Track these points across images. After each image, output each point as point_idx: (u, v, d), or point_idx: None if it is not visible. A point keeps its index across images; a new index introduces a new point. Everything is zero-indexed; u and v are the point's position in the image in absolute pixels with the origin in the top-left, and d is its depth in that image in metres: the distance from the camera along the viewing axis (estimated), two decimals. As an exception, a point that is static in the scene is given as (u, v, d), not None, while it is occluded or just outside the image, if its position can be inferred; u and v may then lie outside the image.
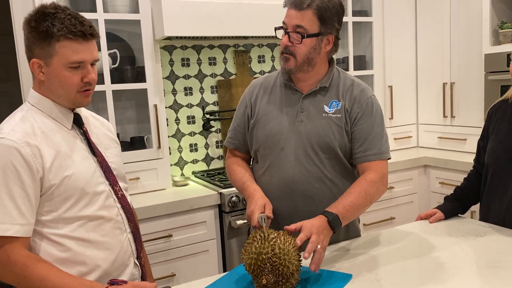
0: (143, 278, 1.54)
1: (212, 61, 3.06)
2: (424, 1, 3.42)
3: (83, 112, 1.52)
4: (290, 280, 1.27)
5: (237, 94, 3.11)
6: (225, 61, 3.10)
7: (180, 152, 3.00)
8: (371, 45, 3.40)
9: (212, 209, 2.52)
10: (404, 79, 3.54)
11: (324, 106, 1.65)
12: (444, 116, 3.34)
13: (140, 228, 1.60)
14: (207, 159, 3.09)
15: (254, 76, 3.18)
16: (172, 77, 2.94)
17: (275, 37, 1.66)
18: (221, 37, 2.85)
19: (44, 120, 1.37)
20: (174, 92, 2.95)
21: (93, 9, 2.45)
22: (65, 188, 1.33)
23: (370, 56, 3.43)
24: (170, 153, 2.90)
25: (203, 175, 2.89)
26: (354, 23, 3.31)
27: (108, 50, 2.52)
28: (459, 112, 3.26)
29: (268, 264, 1.25)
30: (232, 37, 2.90)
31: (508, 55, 2.76)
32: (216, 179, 2.73)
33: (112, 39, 2.69)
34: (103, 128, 1.57)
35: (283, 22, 1.60)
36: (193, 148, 3.04)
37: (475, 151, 1.95)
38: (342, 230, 1.71)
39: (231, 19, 2.65)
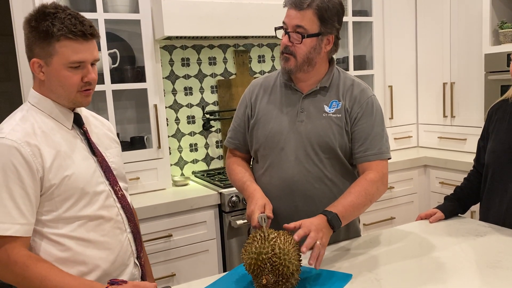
0: (143, 278, 1.54)
1: (212, 61, 3.06)
2: (424, 1, 3.42)
3: (84, 112, 1.52)
4: (290, 280, 1.27)
5: (237, 94, 3.11)
6: (225, 61, 3.10)
7: (180, 152, 3.00)
8: (371, 45, 3.40)
9: (212, 209, 2.52)
10: (404, 79, 3.54)
11: (324, 106, 1.65)
12: (444, 116, 3.34)
13: (140, 228, 1.60)
14: (207, 159, 3.09)
15: (254, 76, 3.18)
16: (172, 77, 2.94)
17: (275, 37, 1.66)
18: (221, 37, 2.85)
19: (44, 120, 1.37)
20: (174, 92, 2.95)
21: (93, 9, 2.45)
22: (65, 188, 1.33)
23: (370, 56, 3.43)
24: (170, 153, 2.90)
25: (203, 175, 2.89)
26: (354, 23, 3.31)
27: (108, 50, 2.52)
28: (459, 112, 3.26)
29: (268, 264, 1.25)
30: (232, 37, 2.90)
31: (508, 55, 2.76)
32: (216, 179, 2.73)
33: (112, 39, 2.69)
34: (103, 128, 1.57)
35: (283, 22, 1.59)
36: (193, 148, 3.04)
37: (475, 151, 1.95)
38: (342, 230, 1.71)
39: (231, 19, 2.65)
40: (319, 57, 1.61)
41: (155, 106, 2.63)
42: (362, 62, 3.42)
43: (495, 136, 1.79)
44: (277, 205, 1.61)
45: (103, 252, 1.40)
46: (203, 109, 3.03)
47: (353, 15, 3.29)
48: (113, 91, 2.55)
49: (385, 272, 1.42)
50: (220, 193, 2.52)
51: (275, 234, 1.31)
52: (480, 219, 1.84)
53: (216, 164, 3.12)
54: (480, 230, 1.71)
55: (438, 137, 3.44)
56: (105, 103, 2.53)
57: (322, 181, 1.65)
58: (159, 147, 2.66)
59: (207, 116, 3.02)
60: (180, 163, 3.01)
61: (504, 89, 2.74)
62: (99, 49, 2.35)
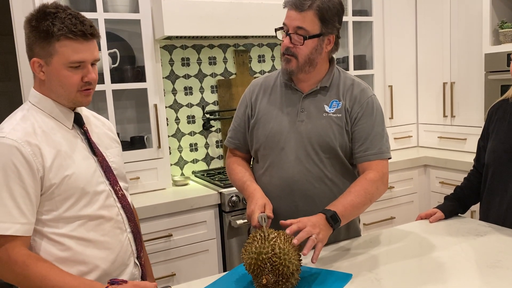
0: (143, 277, 1.54)
1: (212, 61, 3.06)
2: (424, 1, 3.42)
3: (84, 111, 1.52)
4: (290, 279, 1.27)
5: (237, 93, 3.11)
6: (225, 60, 3.10)
7: (180, 151, 3.00)
8: (371, 45, 3.40)
9: (212, 209, 2.52)
10: (404, 78, 3.54)
11: (325, 105, 1.65)
12: (444, 115, 3.34)
13: (140, 227, 1.60)
14: (207, 159, 3.09)
15: (254, 75, 3.18)
16: (172, 77, 2.94)
17: (275, 37, 1.65)
18: (221, 37, 2.85)
19: (45, 120, 1.37)
20: (174, 91, 2.95)
21: (93, 9, 2.45)
22: (65, 188, 1.33)
23: (370, 55, 3.43)
24: (170, 153, 2.90)
25: (203, 175, 2.90)
26: (354, 22, 3.31)
27: (108, 49, 2.52)
28: (459, 112, 3.26)
29: (268, 264, 1.25)
30: (232, 37, 2.90)
31: (508, 54, 2.76)
32: (216, 179, 2.73)
33: (112, 38, 2.69)
34: (103, 128, 1.57)
35: (284, 23, 1.59)
36: (193, 147, 3.04)
37: (475, 151, 1.95)
38: (342, 230, 1.71)
39: (231, 18, 2.65)
40: (320, 57, 1.61)
41: (155, 106, 2.63)
42: (362, 62, 3.42)
43: (495, 136, 1.79)
44: (277, 205, 1.61)
45: (103, 251, 1.40)
46: (203, 109, 3.03)
47: (353, 15, 3.29)
48: (113, 91, 2.55)
49: (385, 271, 1.42)
50: (220, 193, 2.52)
51: (275, 234, 1.31)
52: (480, 219, 1.84)
53: (216, 164, 3.12)
54: (480, 230, 1.71)
55: (438, 137, 3.44)
56: (105, 103, 2.53)
57: (322, 181, 1.65)
58: (159, 147, 2.66)
59: (207, 116, 3.03)
60: (180, 163, 3.01)
61: (504, 89, 2.74)
62: (99, 49, 2.35)
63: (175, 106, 2.96)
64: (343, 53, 3.40)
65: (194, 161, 3.05)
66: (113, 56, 2.58)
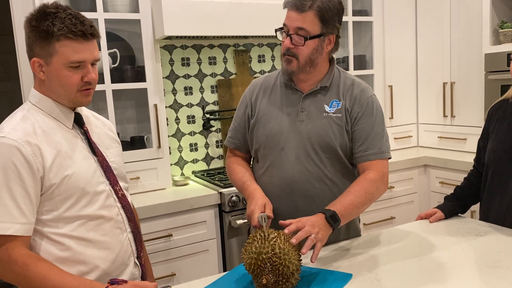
0: (143, 277, 1.54)
1: (212, 61, 3.06)
2: (424, 1, 3.42)
3: (84, 111, 1.52)
4: (290, 279, 1.27)
5: (237, 93, 3.11)
6: (225, 60, 3.10)
7: (180, 151, 3.00)
8: (371, 45, 3.40)
9: (212, 209, 2.52)
10: (404, 78, 3.54)
11: (325, 105, 1.65)
12: (444, 115, 3.34)
13: (140, 227, 1.60)
14: (207, 159, 3.10)
15: (254, 75, 3.18)
16: (172, 77, 2.94)
17: (275, 37, 1.65)
18: (221, 37, 2.85)
19: (45, 120, 1.37)
20: (174, 91, 2.95)
21: (93, 9, 2.45)
22: (66, 188, 1.33)
23: (370, 55, 3.43)
24: (170, 153, 2.90)
25: (203, 175, 2.90)
26: (354, 22, 3.31)
27: (108, 49, 2.52)
28: (459, 112, 3.26)
29: (268, 264, 1.25)
30: (232, 37, 2.90)
31: (508, 54, 2.76)
32: (216, 179, 2.74)
33: (112, 38, 2.69)
34: (104, 128, 1.57)
35: (284, 24, 1.59)
36: (193, 147, 3.04)
37: (475, 151, 1.95)
38: (342, 230, 1.71)
39: (231, 18, 2.65)
40: (321, 57, 1.61)
41: (155, 105, 2.63)
42: (362, 62, 3.42)
43: (495, 135, 1.79)
44: (277, 205, 1.62)
45: (103, 251, 1.40)
46: (203, 108, 3.03)
47: (353, 15, 3.29)
48: (113, 90, 2.55)
49: (385, 271, 1.42)
50: (220, 193, 2.52)
51: (275, 234, 1.31)
52: (480, 219, 1.84)
53: (216, 164, 3.12)
54: (480, 229, 1.71)
55: (438, 137, 3.44)
56: (105, 103, 2.53)
57: (323, 181, 1.65)
58: (159, 146, 2.66)
59: (207, 115, 3.03)
60: (180, 163, 3.01)
61: (504, 88, 2.74)
62: (99, 49, 2.35)
63: (175, 106, 2.96)
64: (343, 53, 3.40)
65: (194, 161, 3.05)
66: (113, 56, 2.58)
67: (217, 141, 3.12)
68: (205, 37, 2.82)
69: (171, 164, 2.94)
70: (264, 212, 1.48)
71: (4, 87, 4.90)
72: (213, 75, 3.07)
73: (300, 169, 1.64)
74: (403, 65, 3.52)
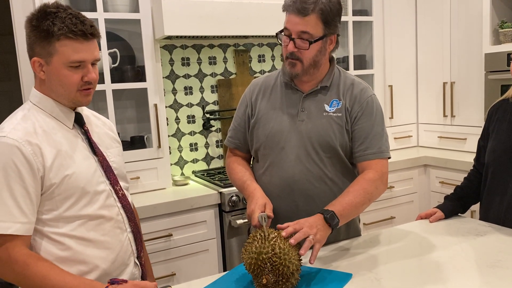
0: (143, 277, 1.54)
1: (212, 61, 3.06)
2: (424, 1, 3.42)
3: (85, 111, 1.52)
4: (290, 279, 1.27)
5: (237, 93, 3.11)
6: (225, 60, 3.10)
7: (180, 151, 3.00)
8: (371, 45, 3.40)
9: (212, 209, 2.52)
10: (404, 78, 3.54)
11: (325, 105, 1.65)
12: (444, 115, 3.34)
13: (141, 227, 1.60)
14: (207, 159, 3.10)
15: (254, 75, 3.18)
16: (172, 77, 2.94)
17: (275, 35, 1.65)
18: (221, 37, 2.85)
19: (46, 119, 1.38)
20: (174, 91, 2.95)
21: (93, 9, 2.45)
22: (66, 187, 1.33)
23: (370, 55, 3.43)
24: (170, 153, 2.90)
25: (203, 175, 2.90)
26: (354, 22, 3.31)
27: (108, 49, 2.52)
28: (459, 112, 3.26)
29: (268, 264, 1.25)
30: (232, 37, 2.90)
31: (509, 54, 2.76)
32: (216, 179, 2.74)
33: (112, 38, 2.69)
34: (104, 128, 1.57)
35: (285, 28, 1.57)
36: (193, 147, 3.04)
37: (475, 151, 1.95)
38: (342, 230, 1.71)
39: (231, 18, 2.65)
40: (324, 58, 1.62)
41: (155, 105, 2.63)
42: (362, 61, 3.42)
43: (495, 135, 1.79)
44: (277, 205, 1.62)
45: (103, 251, 1.40)
46: (203, 108, 3.03)
47: (353, 15, 3.29)
48: (113, 90, 2.55)
49: (385, 271, 1.42)
50: (220, 193, 2.52)
51: (275, 234, 1.31)
52: (480, 219, 1.84)
53: (216, 164, 3.12)
54: (480, 229, 1.71)
55: (438, 137, 3.44)
56: (105, 103, 2.53)
57: (323, 181, 1.65)
58: (159, 146, 2.66)
59: (207, 115, 3.03)
60: (180, 163, 3.01)
61: (504, 88, 2.74)
62: (99, 49, 2.35)
63: (175, 106, 2.96)
64: (343, 53, 3.40)
65: (194, 161, 3.05)
66: (113, 56, 2.58)
67: (217, 141, 3.12)
68: (205, 37, 2.82)
69: (171, 164, 2.94)
70: (264, 212, 1.48)
71: (4, 87, 4.90)
72: (213, 75, 3.07)
73: (300, 169, 1.64)
74: (403, 65, 3.52)
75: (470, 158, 2.27)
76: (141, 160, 2.62)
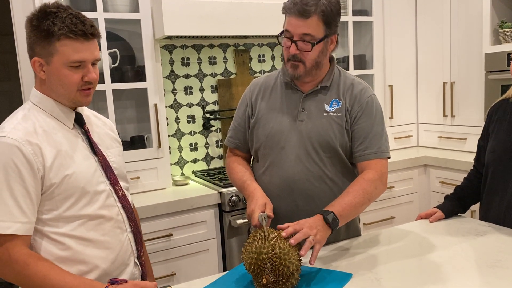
0: (143, 277, 1.54)
1: (212, 61, 3.06)
2: (424, 1, 3.42)
3: (85, 111, 1.52)
4: (290, 279, 1.27)
5: (237, 93, 3.11)
6: (225, 60, 3.10)
7: (180, 151, 3.00)
8: (371, 45, 3.40)
9: (212, 209, 2.52)
10: (404, 78, 3.54)
11: (325, 105, 1.65)
12: (444, 115, 3.34)
13: (141, 227, 1.60)
14: (207, 159, 3.10)
15: (254, 75, 3.18)
16: (172, 77, 2.94)
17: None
18: (221, 37, 2.85)
19: (46, 119, 1.38)
20: (174, 91, 2.95)
21: (93, 8, 2.45)
22: (66, 187, 1.33)
23: (370, 55, 3.43)
24: (170, 153, 2.90)
25: (203, 175, 2.90)
26: (354, 22, 3.30)
27: (108, 49, 2.52)
28: (459, 112, 3.26)
29: (268, 264, 1.25)
30: (232, 37, 2.90)
31: (508, 54, 2.76)
32: (216, 179, 2.74)
33: (112, 38, 2.69)
34: (104, 128, 1.57)
35: (286, 30, 1.57)
36: (193, 147, 3.04)
37: (475, 151, 1.95)
38: (342, 230, 1.72)
39: (231, 18, 2.65)
40: (325, 58, 1.62)
41: (155, 105, 2.63)
42: (362, 61, 3.42)
43: (495, 135, 1.79)
44: (277, 204, 1.62)
45: (103, 251, 1.40)
46: (203, 108, 3.03)
47: (353, 15, 3.28)
48: (113, 90, 2.55)
49: (385, 271, 1.42)
50: (220, 193, 2.52)
51: (276, 234, 1.31)
52: (480, 219, 1.84)
53: (216, 164, 3.12)
54: (480, 229, 1.71)
55: (438, 137, 3.44)
56: (105, 103, 2.53)
57: (323, 180, 1.65)
58: (159, 146, 2.66)
59: (207, 115, 3.03)
60: (180, 163, 3.01)
61: (504, 88, 2.74)
62: (100, 49, 2.35)
63: (175, 106, 2.96)
64: (343, 53, 3.40)
65: (194, 160, 3.05)
66: (113, 56, 2.58)
67: (217, 141, 3.12)
68: (205, 37, 2.82)
69: (171, 164, 2.94)
70: (264, 212, 1.48)
71: (4, 87, 4.90)
72: (213, 74, 3.07)
73: (300, 169, 1.64)
74: (403, 65, 3.52)
75: (470, 158, 2.27)
76: (141, 160, 2.62)
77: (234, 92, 3.11)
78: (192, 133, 3.03)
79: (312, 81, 1.66)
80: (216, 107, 3.09)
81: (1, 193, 1.26)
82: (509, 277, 1.33)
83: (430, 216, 1.87)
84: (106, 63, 2.50)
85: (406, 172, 3.20)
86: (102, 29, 2.44)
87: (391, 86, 3.46)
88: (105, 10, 2.50)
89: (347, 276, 1.38)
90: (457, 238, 1.65)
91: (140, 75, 2.68)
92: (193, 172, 3.03)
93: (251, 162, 1.85)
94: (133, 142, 2.76)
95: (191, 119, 3.02)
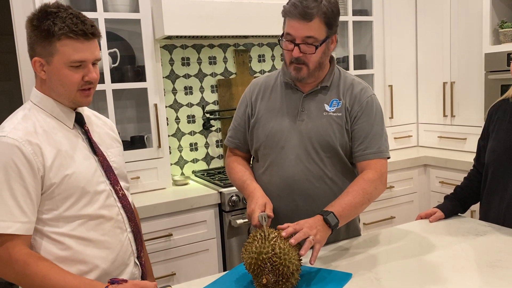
0: (143, 277, 1.54)
1: (212, 60, 3.06)
2: (424, 1, 3.42)
3: (85, 111, 1.52)
4: (290, 279, 1.27)
5: (237, 93, 3.11)
6: (225, 60, 3.10)
7: (180, 151, 3.00)
8: (371, 45, 3.40)
9: (212, 208, 2.52)
10: (404, 78, 3.54)
11: (325, 105, 1.65)
12: (444, 115, 3.34)
13: (141, 227, 1.60)
14: (207, 158, 3.10)
15: (254, 75, 3.18)
16: (172, 76, 2.94)
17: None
18: (221, 36, 2.85)
19: (46, 119, 1.38)
20: (174, 91, 2.95)
21: (93, 8, 2.45)
22: (66, 187, 1.33)
23: (370, 55, 3.43)
24: (170, 152, 2.91)
25: (203, 174, 2.90)
26: (354, 22, 3.30)
27: (108, 49, 2.52)
28: (459, 112, 3.26)
29: (268, 264, 1.25)
30: (232, 37, 2.90)
31: (508, 54, 2.76)
32: (216, 178, 2.74)
33: (112, 38, 2.69)
34: (105, 128, 1.57)
35: (288, 33, 1.56)
36: (193, 147, 3.04)
37: (475, 151, 1.95)
38: (342, 229, 1.72)
39: (231, 18, 2.65)
40: (327, 58, 1.63)
41: (155, 105, 2.63)
42: (362, 61, 3.42)
43: (495, 135, 1.79)
44: (277, 204, 1.62)
45: (103, 251, 1.40)
46: (203, 108, 3.03)
47: (353, 15, 3.28)
48: (113, 90, 2.55)
49: (385, 271, 1.42)
50: (220, 193, 2.52)
51: (276, 234, 1.31)
52: (480, 219, 1.84)
53: (216, 164, 3.12)
54: (480, 229, 1.72)
55: (438, 137, 3.44)
56: (105, 103, 2.53)
57: (323, 180, 1.65)
58: (159, 146, 2.66)
59: (207, 115, 3.03)
60: (180, 163, 3.01)
61: (504, 88, 2.74)
62: (100, 49, 2.36)
63: (175, 106, 2.96)
64: (343, 53, 3.40)
65: (194, 160, 3.05)
66: (113, 56, 2.58)
67: (217, 141, 3.12)
68: (205, 37, 2.82)
69: (171, 164, 2.94)
70: (264, 212, 1.48)
71: (4, 87, 4.90)
72: (213, 74, 3.07)
73: (300, 169, 1.64)
74: (403, 65, 3.52)
75: (470, 158, 2.26)
76: (141, 160, 2.62)
77: (234, 92, 3.11)
78: (192, 133, 3.03)
79: (313, 81, 1.66)
80: (216, 107, 3.09)
81: (1, 193, 1.26)
82: (509, 277, 1.33)
83: (430, 216, 1.87)
84: (106, 63, 2.50)
85: (406, 172, 3.20)
86: (102, 29, 2.44)
87: (391, 86, 3.46)
88: (105, 10, 2.50)
89: (347, 276, 1.38)
90: (457, 238, 1.65)
91: (140, 75, 2.68)
92: (193, 172, 3.03)
93: (251, 162, 1.85)
94: (133, 142, 2.76)
95: (191, 119, 3.02)
